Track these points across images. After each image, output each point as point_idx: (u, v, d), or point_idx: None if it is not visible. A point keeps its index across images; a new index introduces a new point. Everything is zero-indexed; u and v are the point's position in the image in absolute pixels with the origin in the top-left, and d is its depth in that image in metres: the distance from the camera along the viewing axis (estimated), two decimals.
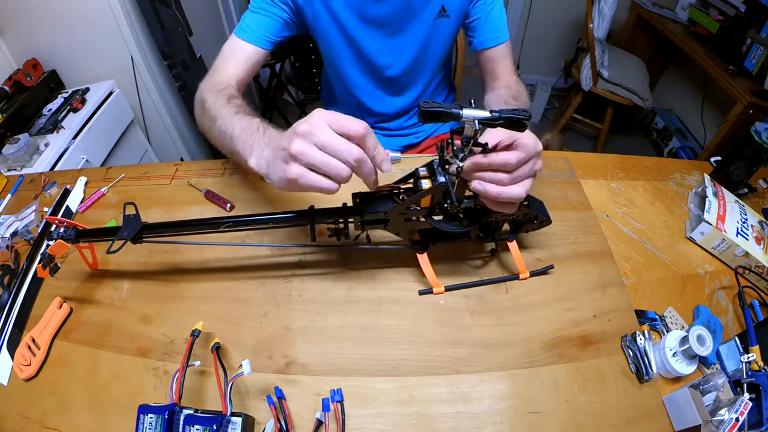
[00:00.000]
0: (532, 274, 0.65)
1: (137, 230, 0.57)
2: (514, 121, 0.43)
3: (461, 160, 0.48)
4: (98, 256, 0.67)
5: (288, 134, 0.45)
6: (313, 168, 0.43)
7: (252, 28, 0.76)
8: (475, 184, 0.49)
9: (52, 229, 0.59)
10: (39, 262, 0.61)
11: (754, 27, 1.70)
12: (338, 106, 1.05)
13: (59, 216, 0.77)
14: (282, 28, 0.79)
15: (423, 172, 0.53)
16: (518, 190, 0.49)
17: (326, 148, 0.42)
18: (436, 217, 0.56)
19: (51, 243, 0.57)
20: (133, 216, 0.58)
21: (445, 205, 0.54)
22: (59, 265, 0.60)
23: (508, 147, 0.48)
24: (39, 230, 0.75)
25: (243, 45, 0.76)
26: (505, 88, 0.81)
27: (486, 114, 0.43)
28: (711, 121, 2.11)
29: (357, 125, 0.43)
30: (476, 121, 0.43)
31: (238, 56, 0.76)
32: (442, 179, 0.50)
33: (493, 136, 0.48)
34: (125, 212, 0.58)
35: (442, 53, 0.92)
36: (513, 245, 0.63)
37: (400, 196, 0.55)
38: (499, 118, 0.43)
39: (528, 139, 0.48)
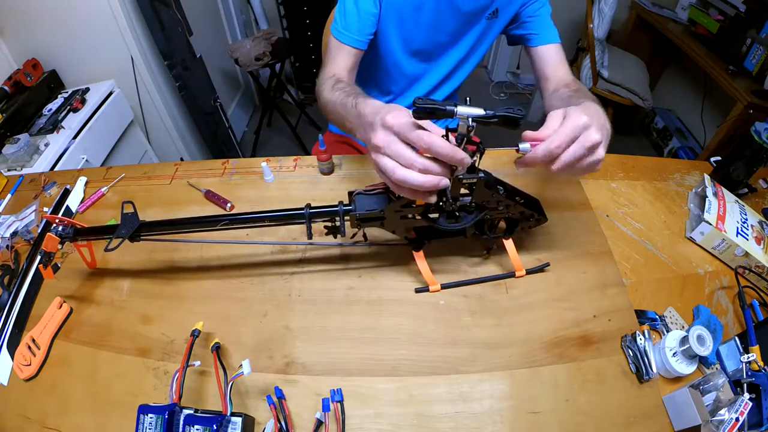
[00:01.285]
0: (529, 272, 0.65)
1: (135, 228, 0.57)
2: (508, 119, 0.43)
3: None
4: (98, 256, 0.68)
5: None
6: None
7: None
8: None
9: (52, 228, 0.59)
10: (39, 262, 0.61)
11: (754, 27, 1.69)
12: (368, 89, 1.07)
13: (59, 216, 0.77)
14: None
15: None
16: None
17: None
18: (431, 215, 0.57)
19: None
20: (131, 214, 0.59)
21: (440, 203, 0.54)
22: (59, 265, 0.60)
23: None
24: (39, 230, 0.75)
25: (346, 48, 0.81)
26: (564, 86, 0.79)
27: (480, 112, 0.43)
28: (711, 121, 2.11)
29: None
30: (470, 119, 0.44)
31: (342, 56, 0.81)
32: None
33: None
34: (123, 210, 0.59)
35: (484, 53, 0.97)
36: (509, 243, 0.64)
37: (396, 194, 0.55)
38: (494, 116, 0.43)
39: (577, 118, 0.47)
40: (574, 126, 0.47)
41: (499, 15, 0.85)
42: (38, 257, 0.68)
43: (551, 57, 0.86)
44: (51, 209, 0.78)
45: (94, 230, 0.61)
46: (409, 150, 0.45)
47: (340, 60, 0.80)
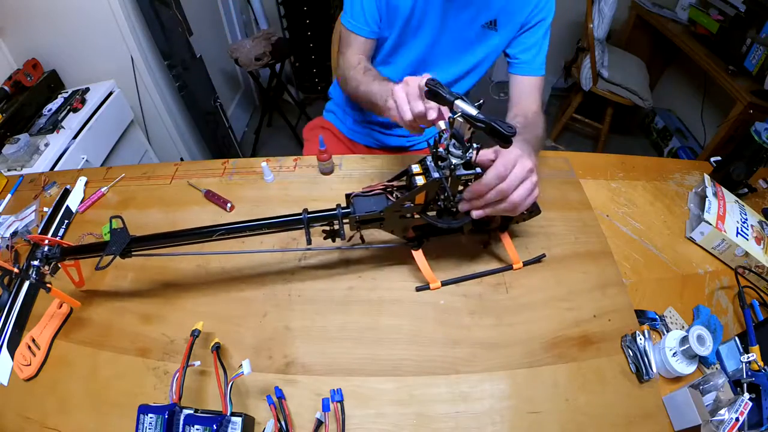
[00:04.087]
0: (525, 264, 0.66)
1: (126, 244, 0.55)
2: (495, 130, 0.42)
3: (455, 156, 0.49)
4: (90, 270, 0.66)
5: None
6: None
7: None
8: (478, 213, 0.53)
9: (38, 251, 0.57)
10: (27, 291, 0.61)
11: (754, 27, 1.69)
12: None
13: (59, 216, 0.77)
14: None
15: (416, 169, 0.53)
16: (520, 194, 0.51)
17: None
18: (430, 213, 0.57)
19: (36, 263, 0.56)
20: (121, 229, 0.56)
21: (439, 202, 0.54)
22: (59, 266, 0.60)
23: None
24: (36, 234, 0.74)
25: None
26: (523, 116, 0.80)
27: (473, 112, 0.43)
28: (711, 121, 2.11)
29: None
30: (460, 113, 0.44)
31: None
32: (436, 175, 0.50)
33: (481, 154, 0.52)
34: (111, 226, 0.56)
35: (481, 62, 0.93)
36: (505, 236, 0.64)
37: (394, 194, 0.55)
38: (483, 122, 0.43)
39: (509, 153, 0.50)
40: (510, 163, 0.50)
41: (499, 28, 0.83)
42: (26, 283, 0.67)
43: (525, 87, 0.87)
44: (51, 209, 0.78)
45: (83, 249, 0.59)
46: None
47: (355, 47, 0.85)
